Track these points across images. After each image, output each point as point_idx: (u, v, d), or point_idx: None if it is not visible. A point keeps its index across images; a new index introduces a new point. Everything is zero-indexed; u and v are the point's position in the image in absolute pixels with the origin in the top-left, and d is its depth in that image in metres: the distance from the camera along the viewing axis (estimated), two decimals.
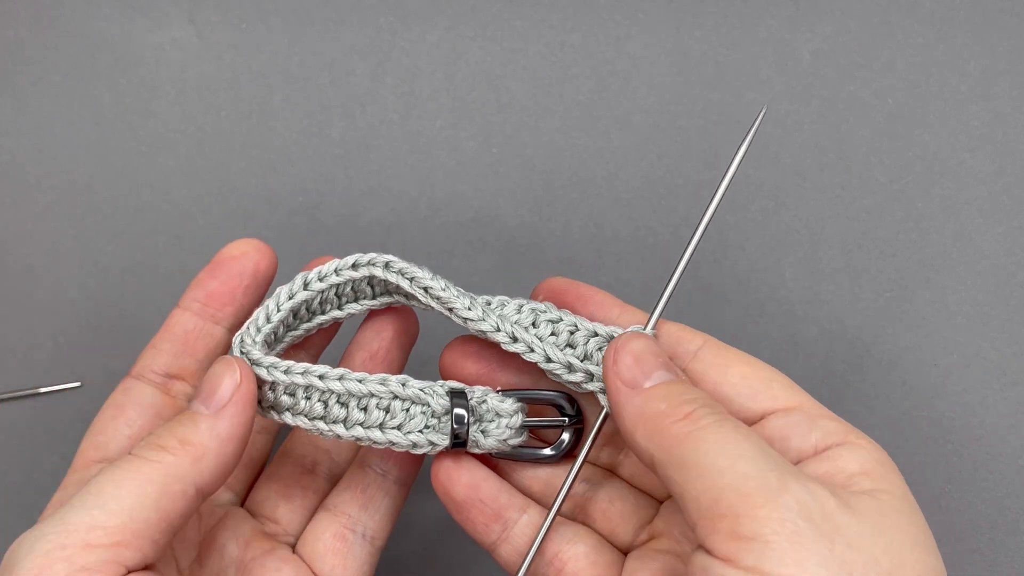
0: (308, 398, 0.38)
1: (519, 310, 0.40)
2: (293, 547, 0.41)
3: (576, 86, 0.53)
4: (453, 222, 0.52)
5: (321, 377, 0.37)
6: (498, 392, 0.40)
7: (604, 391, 0.38)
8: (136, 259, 0.52)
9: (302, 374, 0.37)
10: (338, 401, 0.38)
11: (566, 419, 0.41)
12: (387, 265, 0.40)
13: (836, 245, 0.52)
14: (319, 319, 0.41)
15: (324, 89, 0.53)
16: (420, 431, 0.38)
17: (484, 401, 0.39)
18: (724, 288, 0.52)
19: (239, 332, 0.38)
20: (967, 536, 0.50)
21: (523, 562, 0.38)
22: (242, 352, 0.37)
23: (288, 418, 0.38)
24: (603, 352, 0.38)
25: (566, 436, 0.41)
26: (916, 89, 0.53)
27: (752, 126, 0.39)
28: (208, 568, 0.39)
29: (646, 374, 0.36)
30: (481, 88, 0.53)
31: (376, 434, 0.38)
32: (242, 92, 0.53)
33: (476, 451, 0.39)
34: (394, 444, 0.38)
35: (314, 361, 0.43)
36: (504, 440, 0.39)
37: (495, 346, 0.40)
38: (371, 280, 0.41)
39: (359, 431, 0.38)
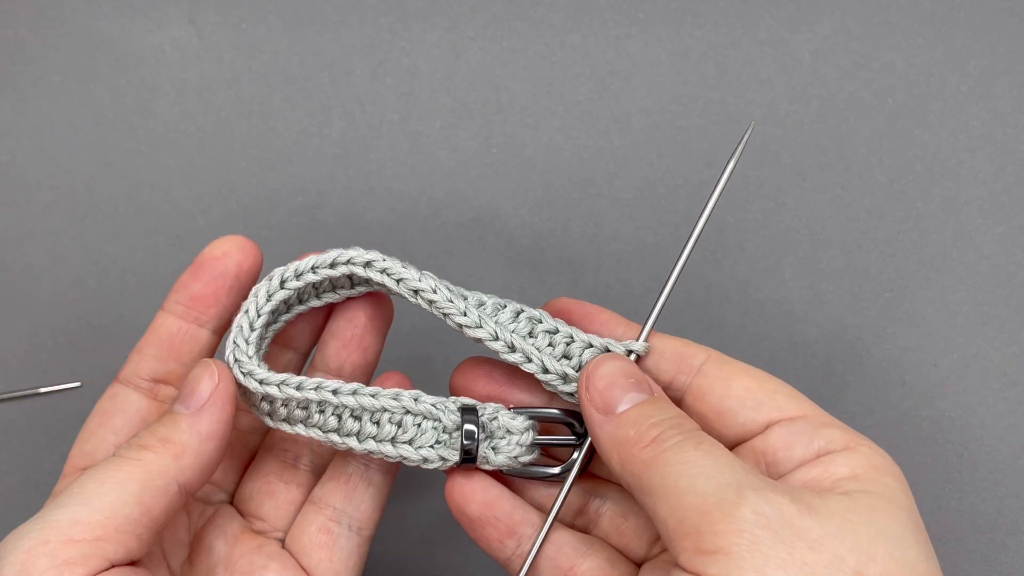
0: (322, 412, 0.38)
1: (516, 318, 0.39)
2: (283, 542, 0.41)
3: (576, 86, 0.53)
4: (453, 222, 0.52)
5: (335, 392, 0.38)
6: (510, 410, 0.40)
7: None
8: (136, 259, 0.52)
9: (315, 389, 0.37)
10: (351, 415, 0.38)
11: (576, 438, 0.40)
12: (368, 264, 0.39)
13: (836, 245, 0.52)
14: (297, 309, 0.41)
15: (324, 89, 0.53)
16: (431, 446, 0.38)
17: (495, 418, 0.39)
18: (724, 288, 0.52)
19: (229, 351, 0.38)
20: (967, 536, 0.50)
21: (523, 564, 0.38)
22: (243, 373, 0.37)
23: (301, 430, 0.38)
24: None
25: (576, 455, 0.40)
26: (916, 89, 0.53)
27: (740, 143, 0.39)
28: (198, 567, 0.39)
29: (618, 398, 0.36)
30: (481, 88, 0.53)
31: (388, 448, 0.38)
32: (242, 92, 0.53)
33: (487, 467, 0.39)
34: (405, 459, 0.38)
35: (302, 359, 0.43)
36: (515, 457, 0.39)
37: (505, 366, 0.41)
38: (351, 274, 0.40)
39: (371, 444, 0.38)
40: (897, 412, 0.51)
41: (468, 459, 0.39)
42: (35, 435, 0.51)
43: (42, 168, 0.53)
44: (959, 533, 0.50)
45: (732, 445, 0.37)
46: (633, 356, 0.39)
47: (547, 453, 0.41)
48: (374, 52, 0.54)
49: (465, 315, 0.38)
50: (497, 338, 0.38)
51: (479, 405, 0.39)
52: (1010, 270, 0.52)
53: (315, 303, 0.41)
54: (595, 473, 0.42)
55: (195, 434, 0.35)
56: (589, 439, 0.39)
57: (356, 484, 0.40)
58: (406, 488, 0.51)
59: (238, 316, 0.38)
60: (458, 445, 0.38)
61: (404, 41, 0.54)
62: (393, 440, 0.38)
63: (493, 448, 0.39)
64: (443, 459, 0.39)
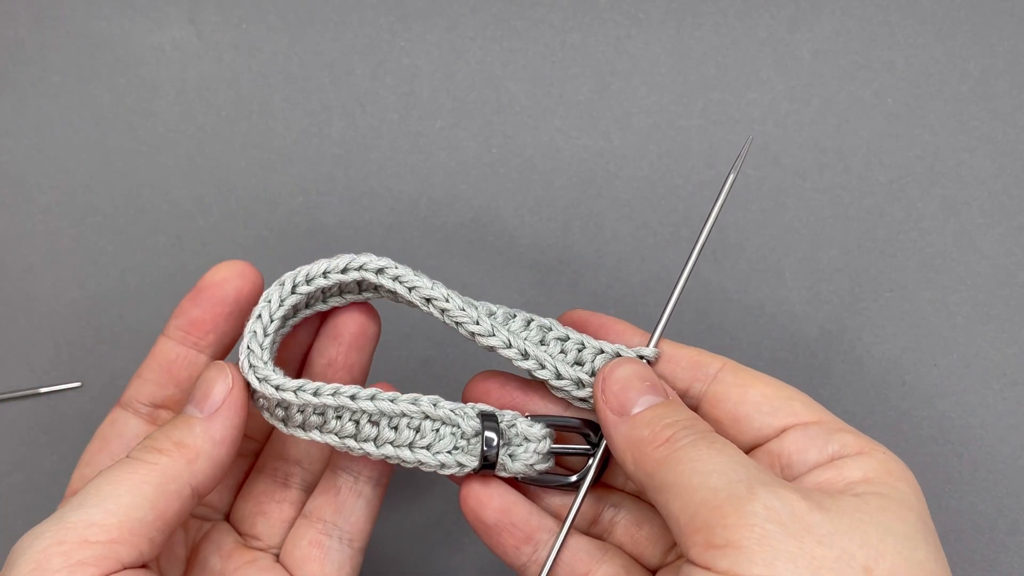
0: (339, 417, 0.38)
1: (527, 326, 0.40)
2: (277, 556, 0.41)
3: (576, 86, 0.53)
4: (453, 222, 0.52)
5: (353, 397, 0.37)
6: (527, 417, 0.40)
7: None
8: (136, 259, 0.52)
9: (332, 395, 0.37)
10: (369, 420, 0.38)
11: (591, 447, 0.40)
12: (380, 271, 0.39)
13: (836, 245, 0.52)
14: (304, 313, 0.41)
15: (324, 89, 0.53)
16: (449, 452, 0.39)
17: (513, 425, 0.39)
18: (724, 288, 0.52)
19: (243, 357, 0.38)
20: (967, 536, 0.50)
21: (540, 571, 0.39)
22: (259, 379, 0.37)
23: (316, 436, 0.38)
24: None
25: (591, 461, 0.40)
26: (916, 89, 0.53)
27: (738, 158, 0.40)
28: None
29: (633, 400, 0.37)
30: (481, 88, 0.53)
31: (405, 453, 0.38)
32: (242, 92, 0.53)
33: (503, 474, 0.39)
34: (423, 464, 0.38)
35: (295, 369, 0.43)
36: (531, 465, 0.39)
37: (518, 379, 0.41)
38: (360, 280, 0.40)
39: (389, 449, 0.38)
40: (897, 412, 0.51)
41: (487, 466, 0.39)
42: (35, 435, 0.51)
43: (42, 168, 0.53)
44: (959, 533, 0.50)
45: (747, 449, 0.38)
46: (644, 362, 0.39)
47: (559, 463, 0.42)
48: (374, 52, 0.54)
49: (478, 323, 0.39)
50: (510, 346, 0.39)
51: (498, 412, 0.39)
52: (1010, 270, 0.52)
53: (322, 307, 0.41)
54: (609, 483, 0.42)
55: (208, 439, 0.36)
56: (604, 445, 0.39)
57: (346, 497, 0.40)
58: (405, 489, 0.51)
59: (250, 322, 0.38)
60: (476, 451, 0.38)
61: (404, 41, 0.54)
62: (411, 445, 0.38)
63: (510, 455, 0.39)
64: (461, 465, 0.39)
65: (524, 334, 0.39)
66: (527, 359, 0.39)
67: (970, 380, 0.51)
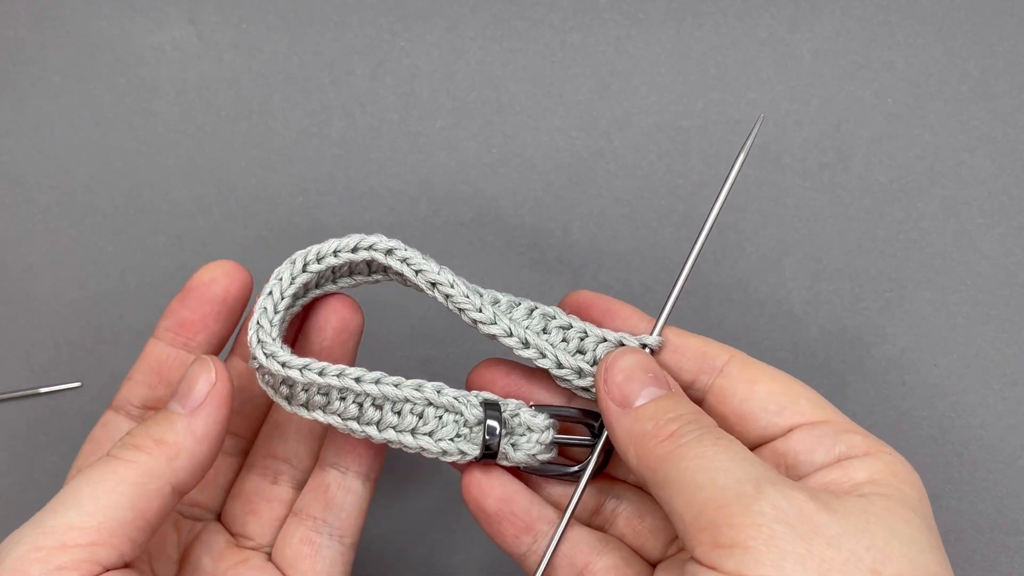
0: (343, 399, 0.38)
1: (529, 314, 0.39)
2: (269, 555, 0.41)
3: (576, 86, 0.53)
4: (453, 222, 0.52)
5: (357, 380, 0.37)
6: (531, 407, 0.40)
7: None
8: (136, 259, 0.52)
9: (337, 376, 0.37)
10: (373, 403, 0.38)
11: (594, 439, 0.40)
12: (389, 252, 0.39)
13: (836, 245, 0.52)
14: (314, 293, 0.41)
15: (324, 89, 0.53)
16: (451, 439, 0.38)
17: (517, 415, 0.39)
18: (724, 288, 0.52)
19: (252, 332, 0.38)
20: (967, 536, 0.50)
21: (540, 560, 0.38)
22: (266, 355, 0.37)
23: (320, 416, 0.38)
24: None
25: (593, 455, 0.40)
26: (916, 89, 0.53)
27: (750, 135, 0.39)
28: None
29: (636, 392, 0.36)
30: (481, 88, 0.53)
31: (408, 439, 0.38)
32: (242, 92, 0.53)
33: (504, 463, 0.39)
34: (424, 450, 0.38)
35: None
36: (533, 455, 0.39)
37: (522, 368, 0.41)
38: (370, 261, 0.40)
39: (391, 434, 0.38)
40: (897, 412, 0.51)
41: (489, 455, 0.39)
42: (35, 435, 0.51)
43: (42, 168, 0.53)
44: (959, 533, 0.50)
45: (752, 447, 0.37)
46: (647, 350, 0.39)
47: (562, 453, 0.41)
48: (374, 52, 0.54)
49: (480, 311, 0.38)
50: (511, 334, 0.38)
51: (501, 401, 0.39)
52: (1010, 270, 0.52)
53: (331, 287, 0.41)
54: (611, 474, 0.42)
55: (190, 435, 0.35)
56: (606, 435, 0.39)
57: (335, 493, 0.40)
58: (404, 483, 0.51)
59: (261, 298, 0.38)
60: (479, 440, 0.38)
61: (404, 41, 0.54)
62: (413, 431, 0.38)
63: (513, 445, 0.39)
64: (463, 453, 0.38)
65: (526, 323, 0.39)
66: (527, 348, 0.39)
67: (970, 380, 0.51)
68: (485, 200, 0.53)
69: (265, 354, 0.37)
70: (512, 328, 0.38)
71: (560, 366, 0.39)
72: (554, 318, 0.39)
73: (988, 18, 0.54)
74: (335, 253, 0.39)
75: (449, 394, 0.38)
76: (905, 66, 0.53)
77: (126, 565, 0.33)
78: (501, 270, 0.52)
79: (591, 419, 0.40)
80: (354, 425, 0.38)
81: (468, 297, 0.38)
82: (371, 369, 0.38)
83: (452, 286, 0.38)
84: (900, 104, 0.53)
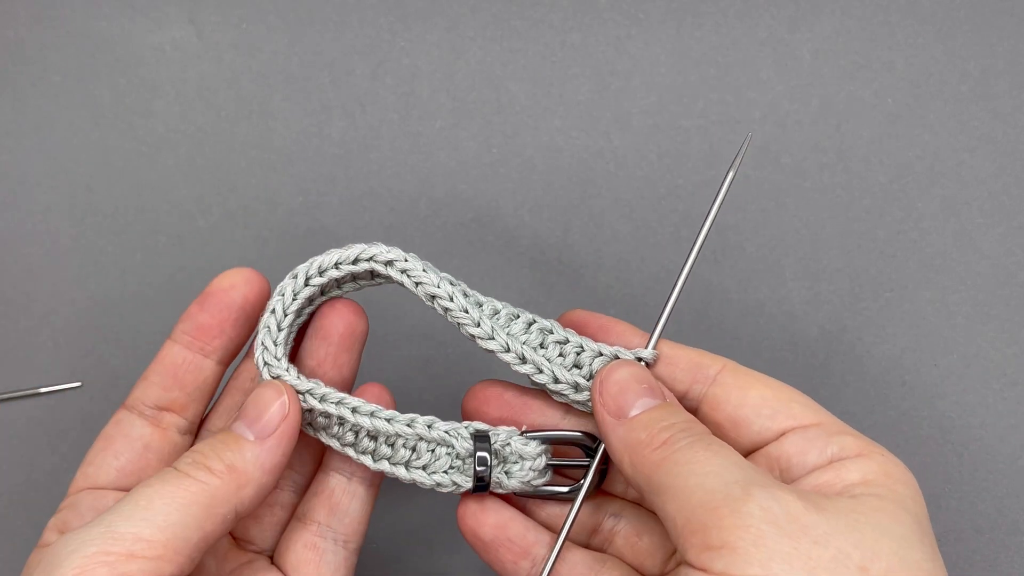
0: (341, 425, 0.38)
1: (527, 328, 0.40)
2: (272, 558, 0.41)
3: (576, 86, 0.53)
4: (453, 222, 0.52)
5: (353, 411, 0.38)
6: (522, 434, 0.40)
7: None
8: (136, 259, 0.52)
9: (336, 404, 0.38)
10: (368, 435, 0.39)
11: (590, 459, 0.40)
12: (389, 263, 0.39)
13: (836, 245, 0.52)
14: (319, 301, 0.41)
15: (324, 89, 0.53)
16: (445, 472, 0.39)
17: (508, 444, 0.39)
18: (724, 288, 0.52)
19: (259, 353, 0.38)
20: (967, 536, 0.50)
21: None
22: (272, 377, 0.38)
23: (323, 437, 0.39)
24: None
25: (587, 475, 0.40)
26: (916, 89, 0.53)
27: (737, 155, 0.40)
28: None
29: (631, 403, 0.37)
30: (481, 88, 0.53)
31: (401, 471, 0.39)
32: (242, 92, 0.53)
33: (499, 491, 0.40)
34: (418, 483, 0.39)
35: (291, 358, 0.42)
36: (527, 481, 0.39)
37: (516, 387, 0.41)
38: (372, 269, 0.40)
39: (385, 465, 0.39)
40: (897, 412, 0.51)
41: (481, 486, 0.39)
42: (35, 435, 0.51)
43: (42, 168, 0.53)
44: (959, 533, 0.50)
45: (747, 452, 0.38)
46: (642, 364, 0.39)
47: (562, 473, 0.42)
48: (374, 52, 0.53)
49: (479, 326, 0.39)
50: (508, 350, 0.39)
51: (492, 431, 0.39)
52: (1010, 270, 0.52)
53: (336, 293, 0.41)
54: (608, 491, 0.42)
55: (259, 466, 0.36)
56: (600, 451, 0.39)
57: (340, 498, 0.40)
58: (405, 489, 0.51)
59: (264, 316, 0.39)
60: (471, 471, 0.39)
61: (404, 41, 0.54)
62: (407, 464, 0.39)
63: (506, 473, 0.39)
64: (456, 484, 0.39)
65: (524, 337, 0.39)
66: (525, 363, 0.39)
67: (970, 380, 0.51)
68: (485, 200, 0.53)
69: (272, 376, 0.38)
70: (510, 343, 0.39)
71: (557, 381, 0.39)
72: (551, 332, 0.39)
73: (988, 18, 0.54)
74: (336, 265, 0.39)
75: (440, 428, 0.39)
76: (905, 66, 0.53)
77: None
78: (501, 270, 0.52)
79: (585, 440, 0.40)
80: (351, 452, 0.39)
81: (467, 312, 0.39)
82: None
83: (451, 299, 0.38)
84: (900, 104, 0.53)
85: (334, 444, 0.39)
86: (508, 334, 0.39)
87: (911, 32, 0.54)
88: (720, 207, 0.40)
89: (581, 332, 0.40)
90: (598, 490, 0.41)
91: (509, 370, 0.39)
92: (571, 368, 0.39)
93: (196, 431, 0.41)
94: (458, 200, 0.53)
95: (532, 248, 0.52)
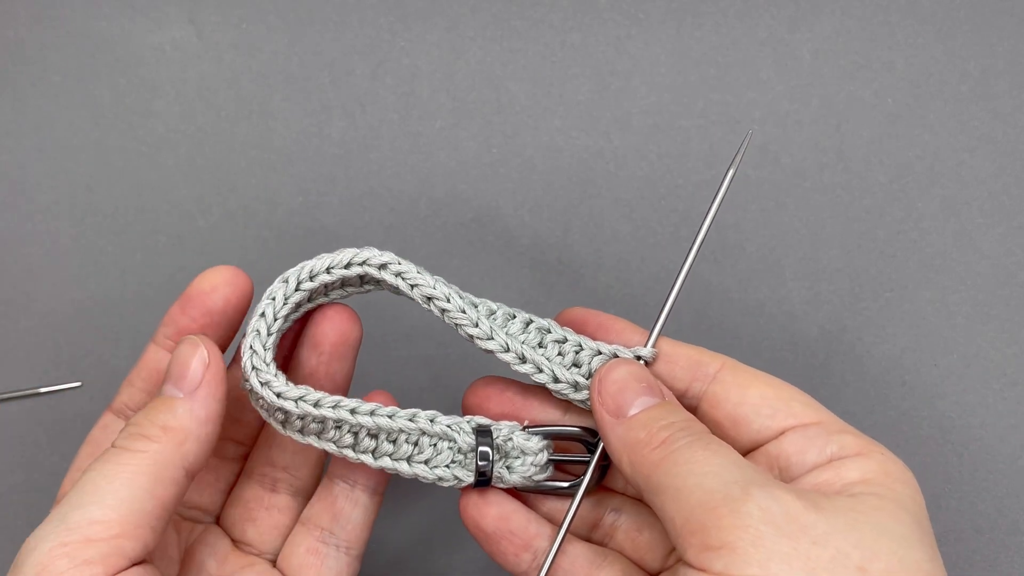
0: (338, 428, 0.38)
1: (525, 328, 0.39)
2: (274, 562, 0.41)
3: (576, 86, 0.53)
4: (453, 222, 0.52)
5: (352, 412, 0.38)
6: (524, 429, 0.40)
7: None
8: (136, 259, 0.52)
9: (333, 407, 0.37)
10: (368, 433, 0.38)
11: (590, 454, 0.40)
12: (383, 267, 0.38)
13: (836, 245, 0.52)
14: (306, 307, 0.40)
15: (324, 89, 0.53)
16: (446, 466, 0.39)
17: (510, 439, 0.39)
18: (724, 288, 0.52)
19: (247, 358, 0.37)
20: (967, 536, 0.50)
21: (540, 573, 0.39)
22: (261, 383, 0.37)
23: (314, 442, 0.38)
24: None
25: (588, 470, 0.40)
26: (916, 89, 0.53)
27: (737, 152, 0.40)
28: None
29: (630, 402, 0.37)
30: (481, 88, 0.53)
31: (403, 467, 0.39)
32: (242, 92, 0.53)
33: (501, 486, 0.40)
34: (420, 477, 0.39)
35: (283, 364, 0.42)
36: (529, 477, 0.39)
37: (517, 383, 0.41)
38: (363, 274, 0.40)
39: (387, 462, 0.39)
40: (897, 412, 0.51)
41: (483, 481, 0.39)
42: (35, 435, 0.51)
43: (42, 168, 0.53)
44: (959, 533, 0.50)
45: (746, 451, 0.38)
46: (641, 362, 0.39)
47: (561, 468, 0.42)
48: (374, 52, 0.54)
49: (477, 326, 0.38)
50: (508, 350, 0.39)
51: (494, 426, 0.39)
52: (1010, 270, 0.52)
53: (323, 300, 0.41)
54: (609, 486, 0.42)
55: (194, 418, 0.35)
56: (600, 448, 0.39)
57: (343, 505, 0.40)
58: (406, 489, 0.51)
59: (254, 320, 0.38)
60: (473, 466, 0.39)
61: (404, 41, 0.54)
62: (409, 459, 0.39)
63: (508, 468, 0.39)
64: (458, 479, 0.39)
65: (522, 337, 0.39)
66: (524, 363, 0.39)
67: (970, 380, 0.51)
68: (485, 200, 0.53)
69: (260, 382, 0.37)
70: (509, 343, 0.39)
71: (557, 380, 0.39)
72: (549, 331, 0.39)
73: (988, 18, 0.54)
74: (328, 270, 0.38)
75: (442, 422, 0.39)
76: (905, 66, 0.53)
77: (147, 559, 0.34)
78: (501, 270, 0.52)
79: (586, 435, 0.40)
80: (348, 452, 0.38)
81: (464, 312, 0.38)
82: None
83: (448, 300, 0.38)
84: (900, 104, 0.53)
85: (330, 448, 0.38)
86: (507, 334, 0.39)
87: (911, 32, 0.54)
88: (720, 206, 0.39)
89: (580, 330, 0.40)
90: (599, 486, 0.41)
91: (509, 369, 0.39)
92: (570, 367, 0.39)
93: None
94: (458, 200, 0.53)
95: (532, 248, 0.52)
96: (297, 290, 0.38)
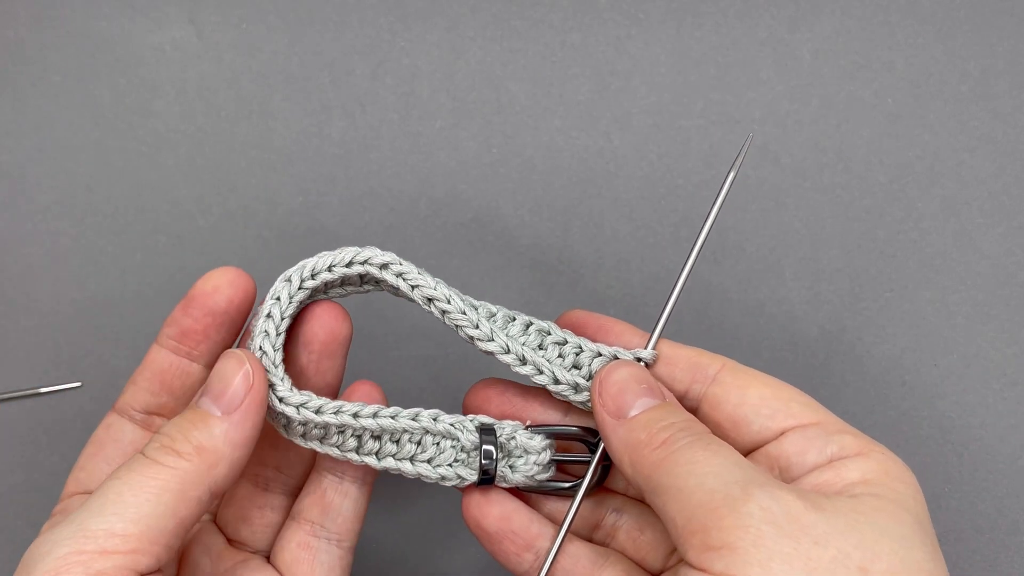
0: (341, 432, 0.38)
1: (525, 330, 0.39)
2: (268, 558, 0.41)
3: (576, 86, 0.53)
4: (453, 222, 0.52)
5: (355, 416, 0.38)
6: (527, 428, 0.40)
7: None
8: (136, 259, 0.52)
9: (335, 413, 0.37)
10: (371, 435, 0.38)
11: (592, 454, 0.40)
12: (384, 267, 0.38)
13: (836, 245, 0.52)
14: (305, 304, 0.40)
15: (324, 89, 0.53)
16: (449, 465, 0.39)
17: (513, 438, 0.39)
18: (724, 288, 0.52)
19: (258, 358, 0.37)
20: (967, 536, 0.50)
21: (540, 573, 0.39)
22: (268, 386, 0.37)
23: (317, 446, 0.38)
24: None
25: (588, 470, 0.40)
26: (916, 89, 0.53)
27: (739, 155, 0.40)
28: None
29: (630, 403, 0.37)
30: (481, 88, 0.53)
31: (407, 466, 0.39)
32: (242, 92, 0.53)
33: (503, 485, 0.40)
34: (423, 476, 0.39)
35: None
36: (531, 476, 0.39)
37: (517, 384, 0.41)
38: (363, 274, 0.40)
39: (390, 462, 0.39)
40: (897, 412, 0.51)
41: (486, 479, 0.39)
42: (35, 435, 0.51)
43: (42, 168, 0.53)
44: (959, 533, 0.50)
45: (747, 452, 0.38)
46: (641, 364, 0.39)
47: (563, 469, 0.42)
48: (374, 52, 0.54)
49: (477, 328, 0.38)
50: (508, 351, 0.39)
51: (497, 424, 0.39)
52: (1010, 270, 0.52)
53: (322, 298, 0.40)
54: (610, 487, 0.42)
55: (228, 441, 0.35)
56: (601, 448, 0.39)
57: (332, 498, 0.40)
58: (406, 488, 0.51)
59: (261, 321, 0.38)
60: (476, 465, 0.39)
61: (404, 41, 0.54)
62: (412, 459, 0.39)
63: (511, 467, 0.39)
64: (461, 478, 0.39)
65: (523, 339, 0.39)
66: (525, 364, 0.39)
67: (970, 380, 0.51)
68: (485, 200, 0.53)
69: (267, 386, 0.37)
70: (509, 345, 0.39)
71: (557, 382, 0.39)
72: (549, 333, 0.39)
73: (988, 18, 0.54)
74: (330, 268, 0.38)
75: (445, 421, 0.39)
76: (905, 66, 0.53)
77: (158, 571, 0.33)
78: (501, 270, 0.52)
79: (588, 436, 0.40)
80: (353, 455, 0.38)
81: (465, 314, 0.38)
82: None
83: (449, 302, 0.38)
84: (900, 104, 0.53)
85: (333, 452, 0.38)
86: (507, 335, 0.39)
87: (911, 32, 0.54)
88: (720, 208, 0.40)
89: (580, 332, 0.40)
90: (600, 486, 0.41)
91: (509, 371, 0.39)
92: (570, 369, 0.39)
93: None
94: (458, 200, 0.53)
95: (532, 248, 0.52)
96: (300, 288, 0.38)
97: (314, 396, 0.38)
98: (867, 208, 0.52)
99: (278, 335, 0.38)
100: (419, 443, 0.39)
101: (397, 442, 0.39)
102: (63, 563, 0.32)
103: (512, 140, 0.53)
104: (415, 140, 0.53)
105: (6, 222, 0.52)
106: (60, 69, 0.53)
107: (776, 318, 0.52)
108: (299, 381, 0.39)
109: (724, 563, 0.31)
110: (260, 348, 0.37)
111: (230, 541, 0.41)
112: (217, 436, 0.35)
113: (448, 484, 0.39)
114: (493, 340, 0.38)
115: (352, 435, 0.38)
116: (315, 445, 0.38)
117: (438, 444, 0.39)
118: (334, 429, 0.38)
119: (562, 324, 0.41)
